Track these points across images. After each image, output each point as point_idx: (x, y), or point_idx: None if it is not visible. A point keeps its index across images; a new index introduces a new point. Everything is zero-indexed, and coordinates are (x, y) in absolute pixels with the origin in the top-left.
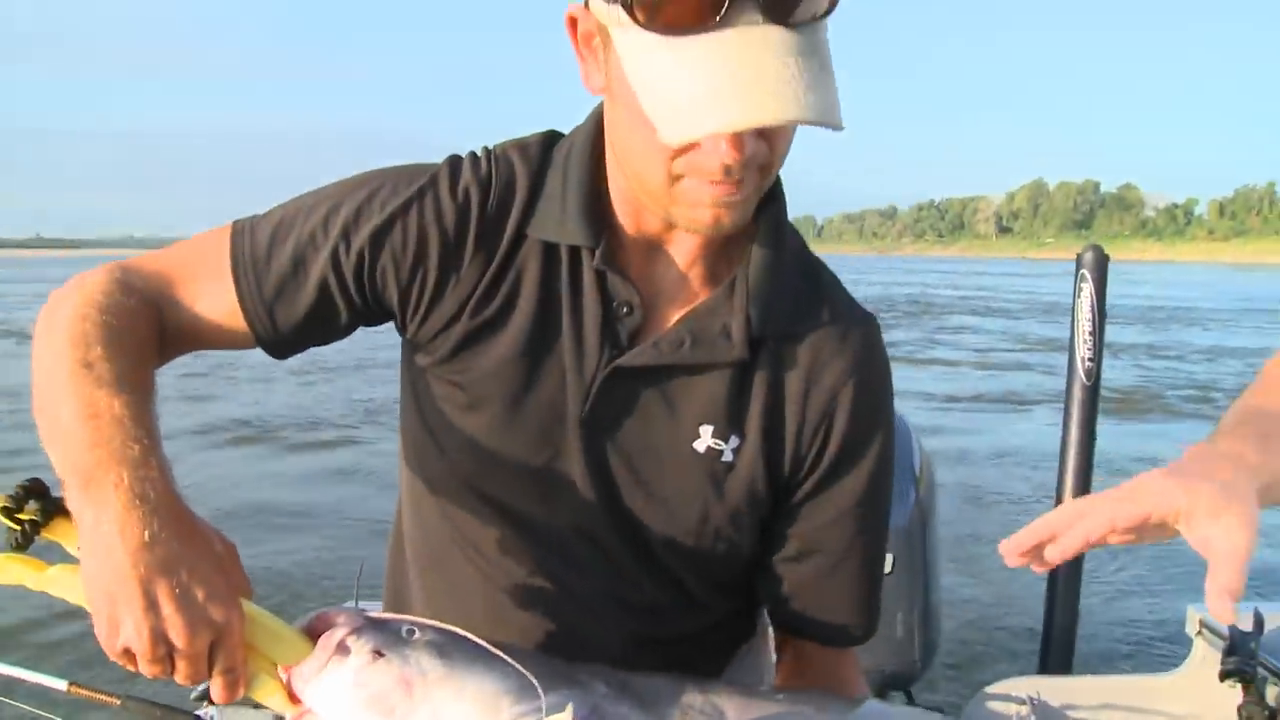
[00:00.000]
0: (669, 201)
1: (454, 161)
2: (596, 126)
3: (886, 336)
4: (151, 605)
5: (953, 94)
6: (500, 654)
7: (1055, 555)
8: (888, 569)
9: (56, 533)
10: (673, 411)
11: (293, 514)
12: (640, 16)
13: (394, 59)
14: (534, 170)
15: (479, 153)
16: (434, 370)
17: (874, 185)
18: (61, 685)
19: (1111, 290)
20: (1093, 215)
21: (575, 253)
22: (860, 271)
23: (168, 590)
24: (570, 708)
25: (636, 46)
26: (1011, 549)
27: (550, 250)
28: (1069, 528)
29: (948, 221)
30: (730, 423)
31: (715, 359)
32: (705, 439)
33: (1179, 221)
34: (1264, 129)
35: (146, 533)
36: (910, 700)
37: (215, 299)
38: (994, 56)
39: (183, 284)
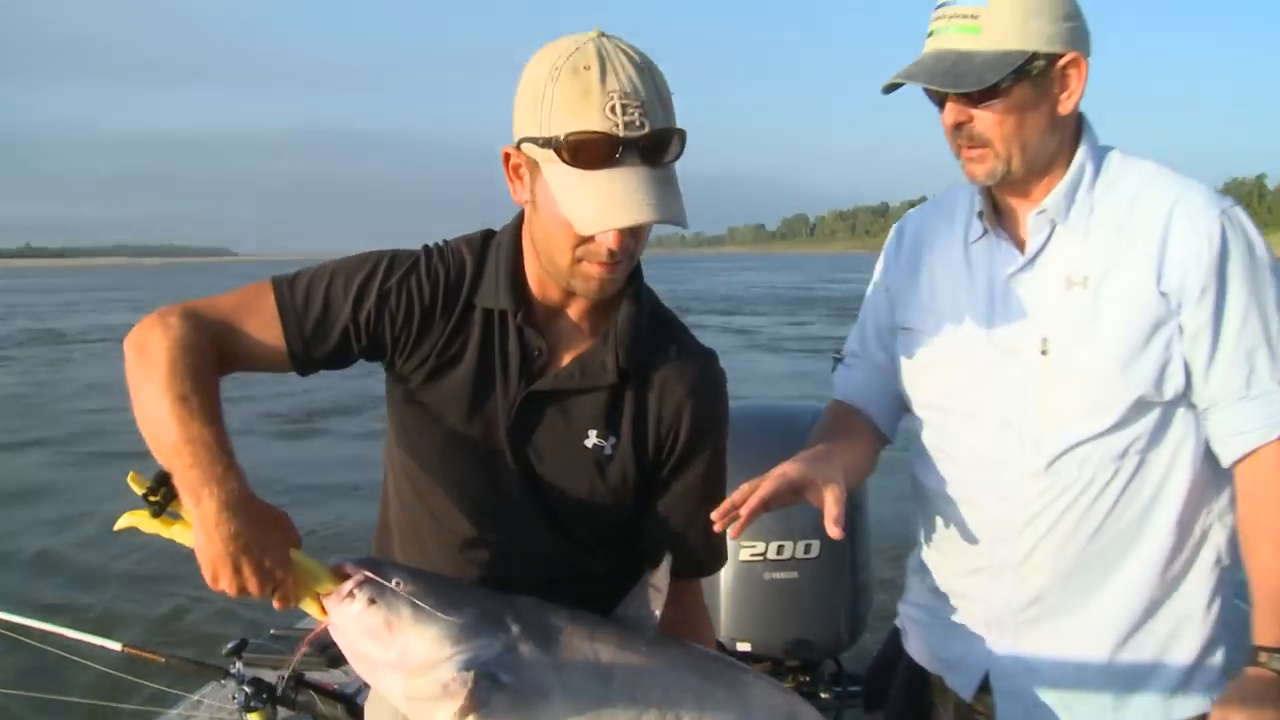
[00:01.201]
0: (570, 276)
1: (428, 250)
2: (517, 228)
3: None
4: (237, 571)
5: None
6: (460, 593)
7: (744, 514)
8: (815, 554)
9: (178, 507)
10: (569, 421)
11: None
12: (566, 158)
13: (403, 53)
14: (477, 259)
15: (442, 244)
16: (413, 393)
17: (866, 183)
18: (116, 646)
19: None
20: None
21: (504, 315)
22: (849, 269)
23: (247, 564)
24: (470, 673)
25: (562, 175)
26: (716, 515)
27: (489, 313)
28: (747, 498)
29: None
30: (608, 427)
31: (596, 384)
32: (592, 439)
33: None
34: (1254, 121)
35: (232, 528)
36: (839, 668)
37: (265, 335)
38: None
39: (239, 324)
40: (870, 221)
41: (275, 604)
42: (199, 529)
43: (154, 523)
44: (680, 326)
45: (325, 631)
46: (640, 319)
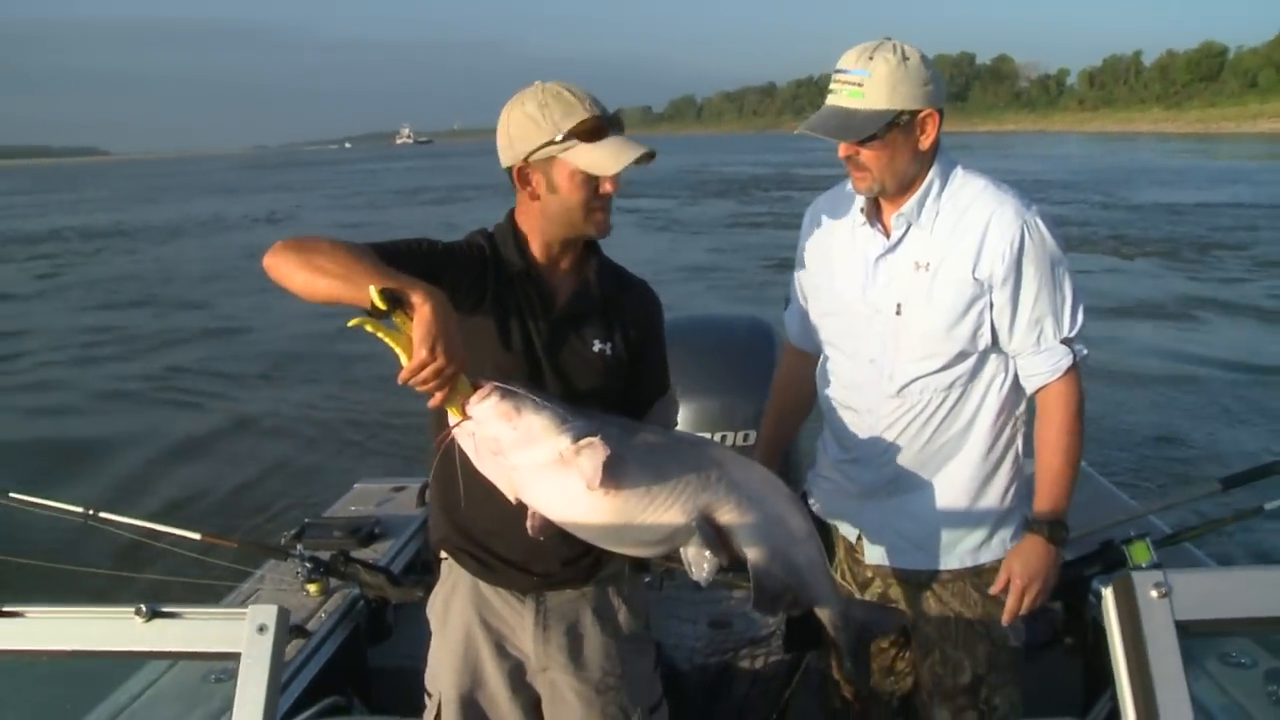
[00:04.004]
0: (585, 225)
1: (470, 236)
2: (511, 221)
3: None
4: (447, 346)
5: None
6: (559, 400)
7: None
8: (752, 441)
9: (396, 316)
10: (580, 334)
11: None
12: (583, 137)
13: None
14: (490, 241)
15: (473, 233)
16: (478, 322)
17: (750, 63)
18: (196, 536)
19: (989, 164)
20: (969, 87)
21: (522, 274)
22: (742, 150)
23: (451, 345)
24: (598, 438)
25: (582, 151)
26: None
27: (516, 273)
28: None
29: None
30: (604, 335)
31: (590, 308)
32: (597, 345)
33: (1051, 92)
34: (1133, 1)
35: (452, 318)
36: None
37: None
38: None
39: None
40: (758, 102)
41: (435, 399)
42: (430, 314)
43: (377, 325)
44: (621, 266)
45: (449, 440)
46: (604, 263)
